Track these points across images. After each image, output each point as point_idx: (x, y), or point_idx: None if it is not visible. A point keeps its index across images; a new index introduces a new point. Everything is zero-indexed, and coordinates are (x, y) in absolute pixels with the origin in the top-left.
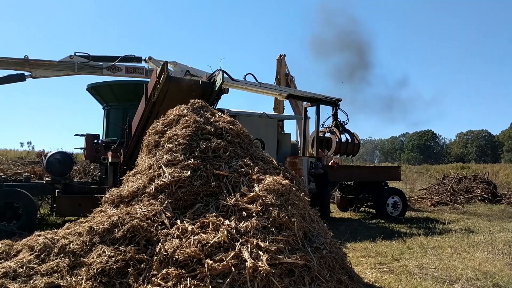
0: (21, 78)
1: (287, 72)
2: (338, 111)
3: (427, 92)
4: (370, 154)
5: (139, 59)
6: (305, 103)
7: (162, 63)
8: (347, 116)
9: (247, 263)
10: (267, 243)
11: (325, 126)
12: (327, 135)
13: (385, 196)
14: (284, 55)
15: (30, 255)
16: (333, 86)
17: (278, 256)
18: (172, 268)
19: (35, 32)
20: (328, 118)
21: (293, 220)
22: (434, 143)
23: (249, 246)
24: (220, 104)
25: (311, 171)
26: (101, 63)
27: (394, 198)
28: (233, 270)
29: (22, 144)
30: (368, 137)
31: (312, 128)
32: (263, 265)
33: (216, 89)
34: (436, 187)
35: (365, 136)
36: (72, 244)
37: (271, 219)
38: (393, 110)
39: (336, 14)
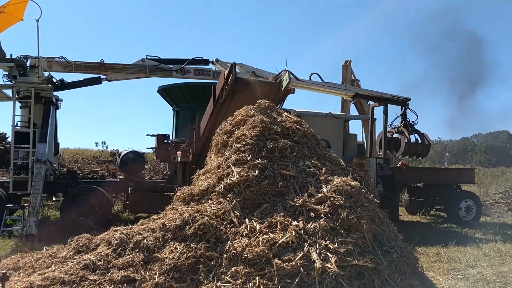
0: (97, 81)
1: (353, 78)
2: (407, 110)
3: None
4: (439, 155)
5: (206, 62)
6: (371, 102)
7: (229, 65)
8: (417, 116)
9: (315, 264)
10: (336, 245)
11: (393, 126)
12: (395, 135)
13: (457, 200)
14: (350, 61)
15: (108, 249)
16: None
17: (347, 258)
18: (241, 266)
19: (107, 37)
20: (396, 118)
21: (362, 222)
22: (511, 144)
23: (317, 247)
24: (286, 104)
25: (378, 173)
26: (171, 66)
27: (468, 202)
28: (302, 270)
29: (97, 143)
30: (437, 138)
31: (378, 129)
32: (332, 266)
33: (282, 89)
34: None
35: (434, 137)
36: (146, 240)
37: (339, 221)
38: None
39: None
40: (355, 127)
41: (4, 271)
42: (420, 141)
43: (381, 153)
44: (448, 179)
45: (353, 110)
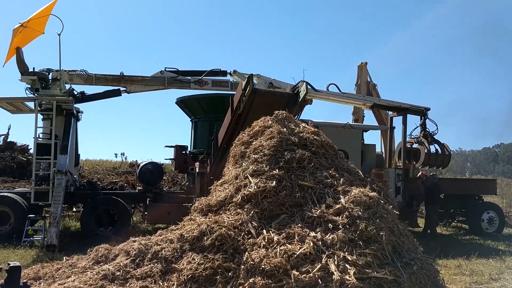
0: (117, 93)
1: (368, 79)
2: (427, 120)
3: None
4: (461, 166)
5: (224, 73)
6: (390, 112)
7: (246, 76)
8: (436, 126)
9: (334, 276)
10: (355, 256)
11: (412, 137)
12: (415, 145)
13: (479, 211)
14: (366, 63)
15: (127, 259)
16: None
17: (366, 270)
18: (259, 278)
19: (127, 49)
20: (415, 128)
21: (381, 233)
22: None
23: (335, 258)
24: (304, 115)
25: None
26: (189, 78)
27: (490, 214)
28: (320, 282)
29: (116, 154)
30: (458, 148)
31: (397, 139)
32: (350, 278)
33: (299, 100)
34: None
35: (455, 147)
36: (164, 251)
37: (358, 232)
38: None
39: None
40: (375, 137)
41: (25, 281)
42: (440, 151)
43: (400, 164)
44: (470, 190)
45: (368, 117)
